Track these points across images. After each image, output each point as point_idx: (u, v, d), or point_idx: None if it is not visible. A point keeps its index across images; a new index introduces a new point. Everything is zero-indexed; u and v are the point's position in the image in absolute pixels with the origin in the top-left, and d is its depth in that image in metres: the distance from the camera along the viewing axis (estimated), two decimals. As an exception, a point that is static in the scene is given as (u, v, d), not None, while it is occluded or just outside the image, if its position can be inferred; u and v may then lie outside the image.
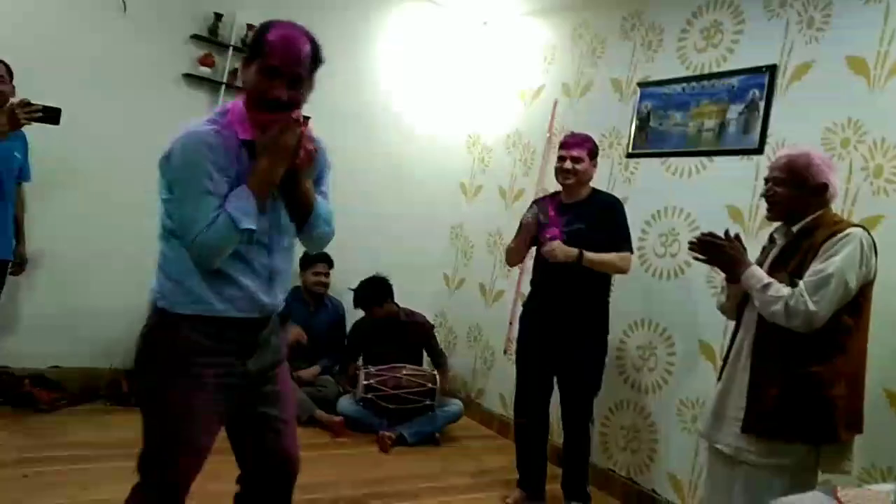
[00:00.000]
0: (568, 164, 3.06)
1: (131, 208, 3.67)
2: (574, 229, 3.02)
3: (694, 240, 2.27)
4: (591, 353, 3.08)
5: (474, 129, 4.89)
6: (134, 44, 3.69)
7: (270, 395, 1.76)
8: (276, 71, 1.60)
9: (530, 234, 3.13)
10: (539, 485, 3.20)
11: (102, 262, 3.66)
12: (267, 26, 1.65)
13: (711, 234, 2.24)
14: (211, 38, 3.87)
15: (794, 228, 2.13)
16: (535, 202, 3.29)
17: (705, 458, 2.45)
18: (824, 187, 2.09)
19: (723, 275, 2.32)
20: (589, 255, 2.94)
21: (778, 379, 2.02)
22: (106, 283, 3.67)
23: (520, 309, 3.37)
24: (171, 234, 1.66)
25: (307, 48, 1.64)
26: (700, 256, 2.27)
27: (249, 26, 3.97)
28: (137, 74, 3.71)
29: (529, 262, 3.43)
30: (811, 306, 1.93)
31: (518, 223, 3.26)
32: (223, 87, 3.91)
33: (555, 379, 3.15)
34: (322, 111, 4.42)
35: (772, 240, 2.26)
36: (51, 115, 2.67)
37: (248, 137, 1.64)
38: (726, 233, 2.24)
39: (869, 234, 2.05)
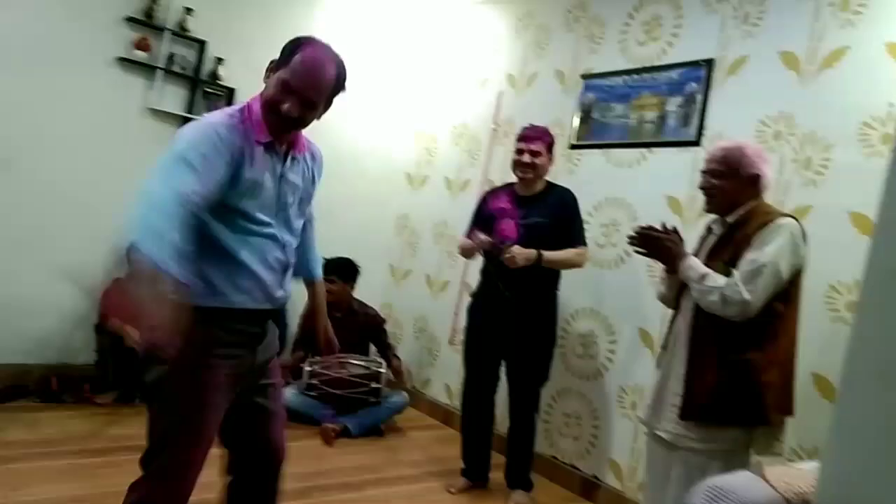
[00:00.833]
0: (527, 158, 3.04)
1: (62, 196, 3.53)
2: (531, 223, 3.01)
3: (633, 233, 2.31)
4: (541, 343, 3.10)
5: (420, 120, 4.87)
6: (65, 24, 3.52)
7: (266, 387, 1.83)
8: (293, 90, 1.67)
9: (476, 248, 3.11)
10: (483, 473, 3.23)
11: (31, 252, 3.50)
12: (301, 42, 1.73)
13: (650, 227, 2.29)
14: (146, 20, 3.72)
15: (729, 219, 2.19)
16: (490, 192, 3.28)
17: (644, 443, 2.51)
18: (757, 178, 2.16)
19: (662, 266, 2.37)
20: (547, 254, 2.94)
21: (713, 366, 2.08)
22: (35, 274, 3.51)
23: (468, 299, 3.37)
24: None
25: (331, 75, 1.75)
26: (640, 250, 2.31)
27: (187, 9, 3.86)
28: (68, 57, 3.55)
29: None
30: (746, 295, 2.00)
31: (469, 217, 3.27)
32: (160, 72, 3.78)
33: (502, 369, 3.17)
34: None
35: (709, 230, 2.33)
36: None
37: (263, 140, 1.71)
38: (663, 225, 2.29)
39: (799, 223, 2.13)
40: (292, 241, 1.83)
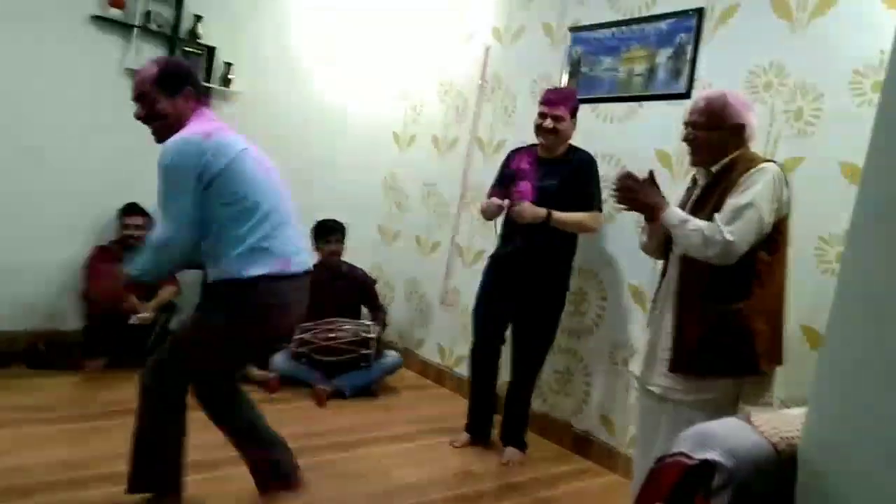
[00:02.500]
0: (549, 123, 3.00)
1: (37, 157, 3.46)
2: (547, 184, 3.00)
3: (613, 186, 2.28)
4: (551, 306, 3.12)
5: (406, 78, 4.78)
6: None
7: None
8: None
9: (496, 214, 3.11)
10: (486, 430, 3.28)
11: (14, 217, 3.44)
12: None
13: (627, 174, 2.25)
14: (120, -24, 3.61)
15: (713, 169, 2.17)
16: (515, 151, 3.25)
17: (636, 398, 2.52)
18: (742, 128, 2.13)
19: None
20: (557, 214, 2.93)
21: (701, 317, 2.07)
22: (19, 240, 3.46)
23: (457, 260, 3.35)
24: None
25: (148, 70, 2.07)
26: (621, 206, 2.29)
27: (163, -35, 3.74)
28: (40, 15, 3.44)
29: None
30: (727, 236, 1.98)
31: (456, 176, 3.21)
32: (136, 30, 3.67)
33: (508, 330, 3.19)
34: (243, 52, 4.28)
35: (694, 181, 2.30)
36: None
37: None
38: (648, 173, 2.26)
39: (782, 168, 2.11)
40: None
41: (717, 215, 2.03)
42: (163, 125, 2.06)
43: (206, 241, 2.02)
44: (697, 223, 2.06)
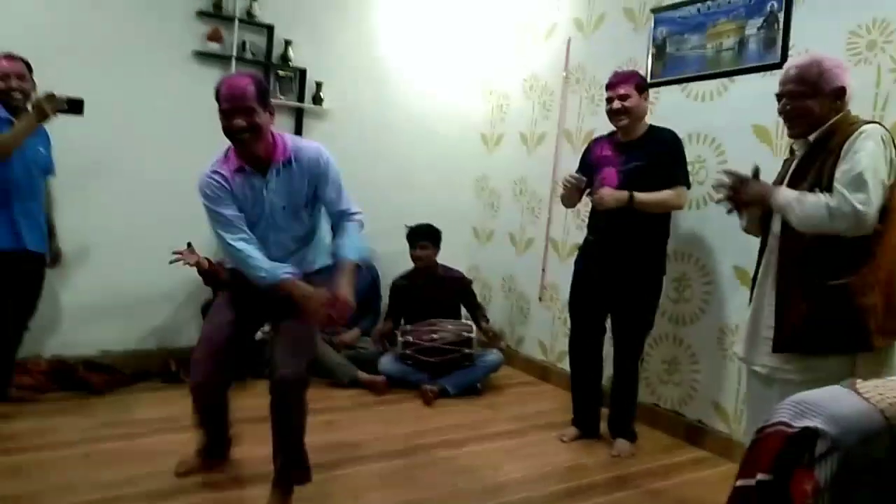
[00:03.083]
0: (616, 104, 2.99)
1: (156, 187, 3.75)
2: (630, 167, 2.97)
3: (718, 193, 2.23)
4: (647, 292, 3.06)
5: (489, 77, 4.81)
6: (141, 25, 3.70)
7: (277, 324, 2.48)
8: (227, 110, 2.22)
9: (573, 197, 3.11)
10: (594, 423, 3.25)
11: (135, 245, 3.74)
12: (219, 82, 2.30)
13: (727, 175, 2.19)
14: (216, 12, 3.86)
15: (812, 138, 2.05)
16: (593, 141, 3.24)
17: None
18: (843, 91, 2.01)
19: None
20: (640, 196, 2.89)
21: (806, 294, 1.97)
22: (142, 266, 3.76)
23: (553, 254, 3.34)
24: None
25: (247, 83, 2.24)
26: (731, 207, 2.22)
27: (253, -3, 3.97)
28: (148, 56, 3.74)
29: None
30: (858, 206, 1.85)
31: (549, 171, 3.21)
32: (234, 60, 3.91)
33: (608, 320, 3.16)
34: (332, 70, 4.46)
35: (791, 152, 2.19)
36: (75, 107, 2.74)
37: (234, 168, 2.32)
38: (753, 169, 2.18)
39: (887, 130, 1.97)
40: (282, 239, 2.39)
41: (837, 185, 1.91)
42: (255, 137, 2.25)
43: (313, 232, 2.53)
44: (818, 197, 1.94)
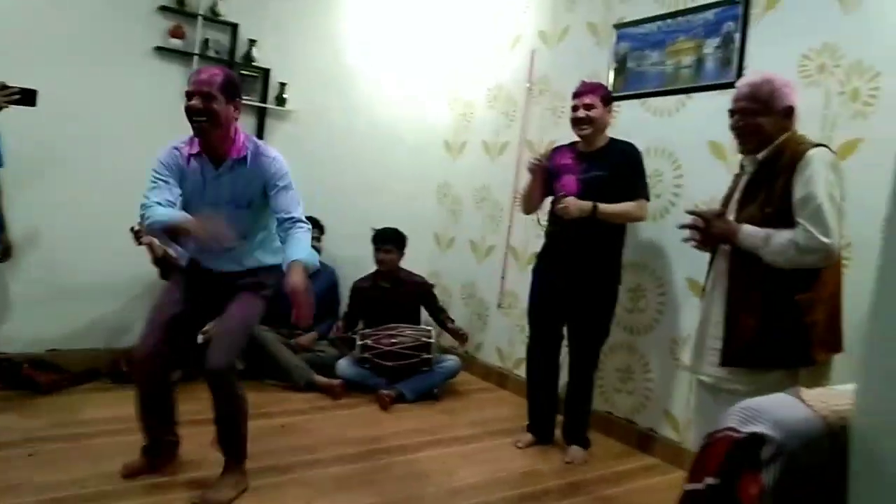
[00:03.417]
0: (581, 113, 3.05)
1: (112, 183, 3.66)
2: (591, 176, 3.02)
3: (687, 231, 2.29)
4: (602, 301, 3.11)
5: (454, 86, 4.85)
6: (101, 20, 3.62)
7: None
8: (189, 92, 2.33)
9: (536, 178, 3.14)
10: (549, 429, 3.29)
11: (89, 241, 3.65)
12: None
13: (694, 213, 2.25)
14: (178, 8, 3.80)
15: (760, 157, 2.13)
16: (554, 150, 3.29)
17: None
18: (791, 110, 2.09)
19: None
20: (603, 207, 2.94)
21: (756, 309, 2.03)
22: (95, 262, 3.68)
23: (513, 262, 3.38)
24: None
25: (215, 72, 2.36)
26: (701, 247, 2.29)
27: (217, -6, 3.92)
28: (107, 51, 3.66)
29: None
30: (823, 239, 1.93)
31: (509, 179, 3.25)
32: (196, 58, 3.86)
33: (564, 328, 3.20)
34: (297, 72, 4.43)
35: (742, 167, 2.27)
36: (27, 98, 2.68)
37: (190, 153, 2.43)
38: (721, 210, 2.25)
39: (831, 150, 2.06)
40: None
41: (803, 222, 1.97)
42: (211, 125, 2.33)
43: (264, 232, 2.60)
44: (784, 235, 2.00)
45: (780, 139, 2.10)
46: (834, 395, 1.03)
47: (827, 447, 0.95)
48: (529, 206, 3.31)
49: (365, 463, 2.90)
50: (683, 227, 2.29)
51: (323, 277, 4.27)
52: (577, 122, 3.08)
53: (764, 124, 2.10)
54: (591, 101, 3.04)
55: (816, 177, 1.97)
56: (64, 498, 2.34)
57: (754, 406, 1.01)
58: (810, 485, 0.94)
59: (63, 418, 3.06)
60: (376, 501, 2.54)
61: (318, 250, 4.20)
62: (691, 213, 2.26)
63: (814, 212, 1.95)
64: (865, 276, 2.34)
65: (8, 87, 2.66)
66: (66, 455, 2.66)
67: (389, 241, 4.08)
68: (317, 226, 4.13)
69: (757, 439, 0.96)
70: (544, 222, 3.28)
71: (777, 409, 0.98)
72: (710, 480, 0.99)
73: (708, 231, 2.19)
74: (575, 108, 3.08)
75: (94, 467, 2.57)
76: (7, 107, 2.70)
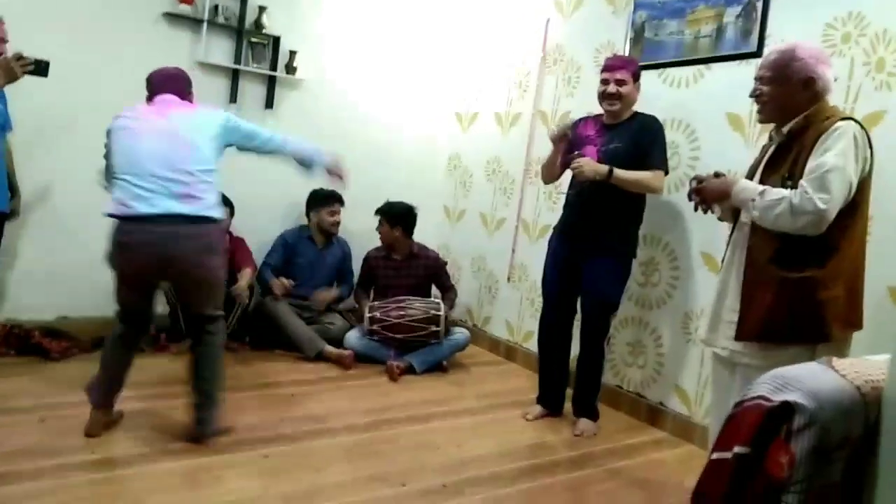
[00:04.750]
0: (612, 88, 2.99)
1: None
2: (611, 148, 3.00)
3: (691, 194, 2.28)
4: (613, 270, 3.08)
5: (467, 56, 4.77)
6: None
7: None
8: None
9: (558, 147, 3.11)
10: (558, 401, 3.28)
11: (99, 208, 3.60)
12: None
13: (696, 178, 2.25)
14: (188, -27, 3.74)
15: (785, 129, 2.07)
16: (579, 120, 3.24)
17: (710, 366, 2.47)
18: (811, 81, 2.02)
19: None
20: (619, 172, 2.90)
21: (771, 285, 1.99)
22: (105, 229, 3.64)
23: (523, 236, 3.34)
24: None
25: (173, 68, 2.84)
26: (702, 208, 2.27)
27: (227, -40, 3.84)
28: (116, 16, 3.61)
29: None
30: (819, 204, 1.87)
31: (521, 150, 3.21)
32: (205, 24, 3.79)
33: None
34: (307, 42, 4.36)
35: (770, 138, 2.21)
36: (41, 69, 2.70)
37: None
38: (716, 173, 2.25)
39: (862, 126, 1.99)
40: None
41: (803, 182, 1.92)
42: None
43: None
44: (780, 192, 1.95)
45: (807, 112, 2.03)
46: (868, 365, 1.00)
47: (861, 418, 0.92)
48: (551, 175, 3.27)
49: (374, 433, 2.90)
50: (689, 193, 2.28)
51: (336, 249, 4.25)
52: (607, 97, 3.02)
53: (780, 94, 2.05)
54: (623, 76, 2.99)
55: (833, 147, 1.92)
56: (74, 463, 2.35)
57: (786, 374, 0.98)
58: (841, 457, 0.92)
59: (73, 385, 3.06)
60: (385, 471, 2.54)
61: (338, 224, 4.18)
62: (693, 178, 2.28)
63: (819, 176, 1.90)
64: (888, 249, 2.33)
65: (24, 58, 2.65)
66: (76, 421, 2.66)
67: (386, 215, 4.06)
68: (340, 199, 4.11)
69: (789, 408, 0.93)
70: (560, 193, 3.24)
71: (810, 378, 0.95)
72: (738, 449, 0.96)
73: (704, 191, 2.19)
74: (605, 82, 3.02)
75: (103, 433, 2.58)
76: (22, 76, 2.70)
